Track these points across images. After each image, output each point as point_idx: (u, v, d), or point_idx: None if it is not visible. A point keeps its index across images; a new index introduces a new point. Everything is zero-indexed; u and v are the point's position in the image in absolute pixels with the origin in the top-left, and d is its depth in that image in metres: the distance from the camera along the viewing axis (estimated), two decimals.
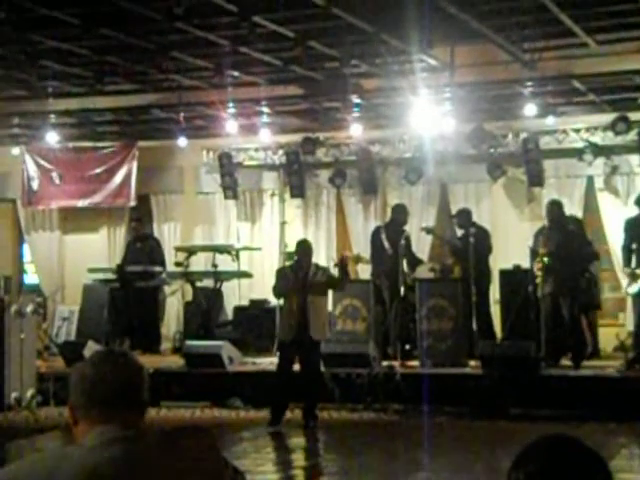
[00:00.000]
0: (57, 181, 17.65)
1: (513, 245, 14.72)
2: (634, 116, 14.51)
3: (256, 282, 16.40)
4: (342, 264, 11.94)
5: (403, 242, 13.81)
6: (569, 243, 12.92)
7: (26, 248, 18.84)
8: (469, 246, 13.63)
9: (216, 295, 15.96)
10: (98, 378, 2.57)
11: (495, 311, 14.39)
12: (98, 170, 17.36)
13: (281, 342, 11.81)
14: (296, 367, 11.56)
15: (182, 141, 16.00)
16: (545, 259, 12.73)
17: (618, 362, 12.70)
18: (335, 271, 12.12)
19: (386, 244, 14.06)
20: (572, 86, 13.52)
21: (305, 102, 14.94)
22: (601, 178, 15.30)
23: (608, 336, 14.35)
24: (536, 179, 15.30)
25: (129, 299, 15.83)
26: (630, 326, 13.83)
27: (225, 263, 15.78)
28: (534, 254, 13.07)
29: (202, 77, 13.72)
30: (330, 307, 13.12)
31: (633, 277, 12.80)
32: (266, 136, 15.99)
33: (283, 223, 16.62)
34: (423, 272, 14.25)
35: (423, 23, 10.59)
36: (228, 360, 13.42)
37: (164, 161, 17.62)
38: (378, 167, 16.42)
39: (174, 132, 16.00)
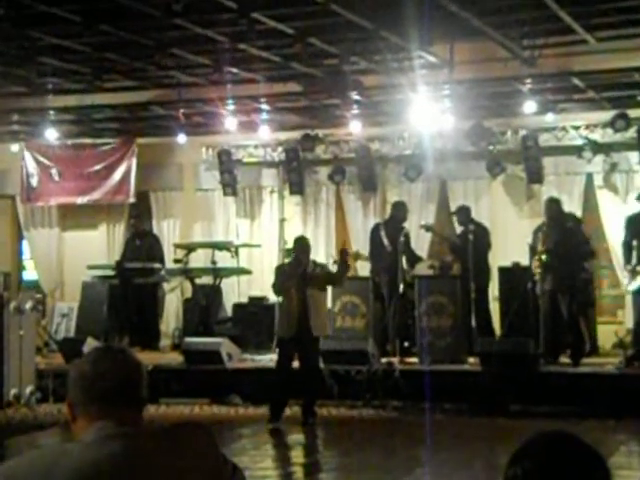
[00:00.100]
0: (56, 178, 17.64)
1: (512, 242, 14.72)
2: (633, 113, 14.49)
3: (255, 279, 16.40)
4: (342, 256, 11.93)
5: (402, 239, 13.81)
6: (568, 241, 12.92)
7: (25, 245, 18.82)
8: (468, 243, 13.64)
9: (215, 292, 15.95)
10: (97, 375, 2.57)
11: (494, 308, 14.39)
12: (97, 167, 17.36)
13: (280, 339, 11.81)
14: (295, 364, 11.57)
15: (181, 138, 15.97)
16: (544, 256, 12.74)
17: (617, 359, 12.72)
18: (334, 269, 12.12)
19: (385, 241, 14.06)
20: (571, 83, 13.51)
21: (304, 99, 14.92)
22: (600, 175, 15.28)
23: (607, 333, 14.33)
24: (535, 176, 15.29)
25: (128, 296, 15.83)
26: (629, 323, 13.83)
27: (224, 260, 15.78)
28: (533, 251, 13.08)
29: (201, 74, 13.69)
30: (329, 304, 13.12)
31: (633, 274, 12.80)
32: (265, 133, 15.96)
33: (282, 220, 16.61)
34: (422, 269, 14.25)
35: (422, 20, 10.58)
36: (227, 357, 13.43)
37: (163, 158, 17.60)
38: (377, 164, 16.40)
39: (173, 129, 15.99)
